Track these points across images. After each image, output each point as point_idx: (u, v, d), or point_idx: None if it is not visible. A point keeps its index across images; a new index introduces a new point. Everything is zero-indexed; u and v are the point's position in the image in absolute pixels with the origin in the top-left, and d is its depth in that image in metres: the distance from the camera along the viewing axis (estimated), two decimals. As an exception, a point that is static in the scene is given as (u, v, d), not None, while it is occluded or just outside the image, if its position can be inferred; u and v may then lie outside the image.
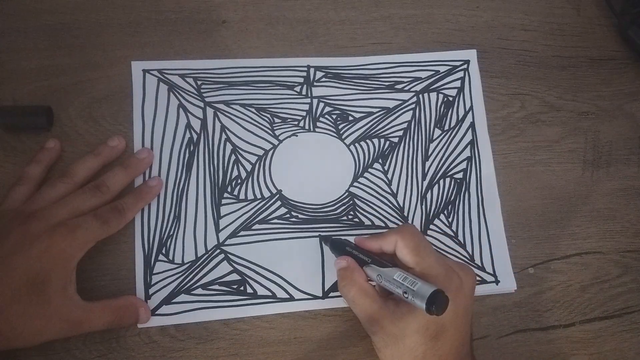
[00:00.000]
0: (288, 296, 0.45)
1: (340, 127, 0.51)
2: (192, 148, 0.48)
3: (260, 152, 0.49)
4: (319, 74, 0.52)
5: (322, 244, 0.46)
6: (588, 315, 0.49)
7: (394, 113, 0.52)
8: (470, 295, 0.41)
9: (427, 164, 0.51)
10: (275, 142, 0.50)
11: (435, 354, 0.39)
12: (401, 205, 0.50)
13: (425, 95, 0.53)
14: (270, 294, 0.45)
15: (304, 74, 0.52)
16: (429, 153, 0.51)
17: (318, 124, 0.51)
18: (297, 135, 0.50)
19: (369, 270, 0.41)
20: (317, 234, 0.47)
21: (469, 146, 0.52)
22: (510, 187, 0.51)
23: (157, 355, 0.43)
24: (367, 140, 0.51)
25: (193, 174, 0.48)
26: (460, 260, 0.48)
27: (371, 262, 0.41)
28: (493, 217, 0.50)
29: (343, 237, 0.45)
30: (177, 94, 0.50)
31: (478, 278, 0.48)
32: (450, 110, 0.53)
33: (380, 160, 0.51)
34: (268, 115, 0.50)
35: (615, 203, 0.52)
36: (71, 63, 0.49)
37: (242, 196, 0.48)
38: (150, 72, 0.50)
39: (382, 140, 0.51)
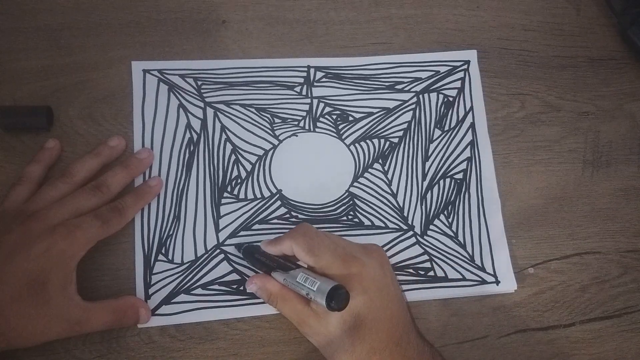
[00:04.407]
0: (288, 296, 0.45)
1: (340, 127, 0.51)
2: (192, 148, 0.48)
3: (260, 152, 0.49)
4: (319, 74, 0.52)
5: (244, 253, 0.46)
6: (588, 315, 0.49)
7: (394, 113, 0.52)
8: (379, 274, 0.40)
9: (427, 164, 0.51)
10: (275, 142, 0.50)
11: (363, 343, 0.39)
12: (401, 205, 0.50)
13: (426, 95, 0.53)
14: (270, 294, 0.45)
15: (304, 74, 0.52)
16: (429, 153, 0.51)
17: (318, 124, 0.51)
18: (297, 136, 0.50)
19: (276, 276, 0.41)
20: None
21: (469, 146, 0.52)
22: (510, 187, 0.51)
23: (157, 355, 0.43)
24: (367, 141, 0.51)
25: (193, 174, 0.48)
26: (368, 243, 0.46)
27: (277, 266, 0.41)
28: (493, 217, 0.50)
29: (255, 243, 0.45)
30: (177, 94, 0.50)
31: (478, 278, 0.48)
32: (451, 110, 0.53)
33: (380, 161, 0.51)
34: (268, 116, 0.50)
35: (615, 203, 0.52)
36: (71, 63, 0.49)
37: (242, 196, 0.48)
38: (150, 72, 0.50)
39: (382, 141, 0.51)
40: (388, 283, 0.41)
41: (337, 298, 0.35)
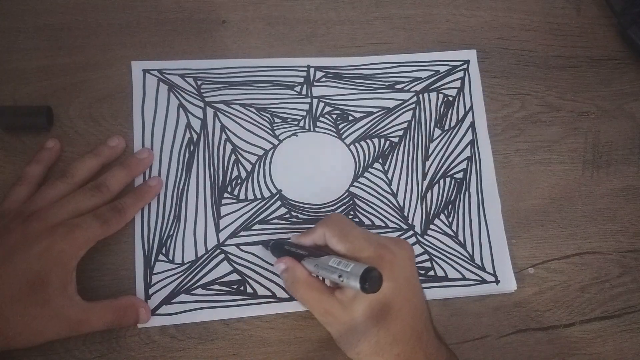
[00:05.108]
0: (288, 296, 0.45)
1: (340, 127, 0.51)
2: (192, 148, 0.48)
3: (260, 152, 0.49)
4: (319, 74, 0.52)
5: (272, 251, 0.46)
6: (588, 315, 0.49)
7: (394, 113, 0.52)
8: (408, 267, 0.41)
9: (427, 163, 0.51)
10: (275, 142, 0.50)
11: (388, 334, 0.38)
12: (401, 205, 0.50)
13: (425, 95, 0.53)
14: (270, 294, 0.45)
15: (304, 74, 0.52)
16: (429, 153, 0.51)
17: (318, 123, 0.51)
18: (297, 135, 0.50)
19: (306, 263, 0.41)
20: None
21: (469, 146, 0.52)
22: (510, 187, 0.51)
23: (157, 355, 0.43)
24: (367, 140, 0.51)
25: (193, 174, 0.48)
26: (395, 237, 0.47)
27: (308, 254, 0.41)
28: (493, 217, 0.50)
29: (282, 238, 0.45)
30: (177, 94, 0.50)
31: (478, 278, 0.48)
32: (450, 110, 0.53)
33: (380, 160, 0.51)
34: (268, 115, 0.50)
35: (615, 203, 0.52)
36: (71, 63, 0.49)
37: (242, 196, 0.48)
38: (150, 72, 0.50)
39: (382, 140, 0.51)
40: (415, 277, 0.41)
41: (371, 280, 0.35)
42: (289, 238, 0.45)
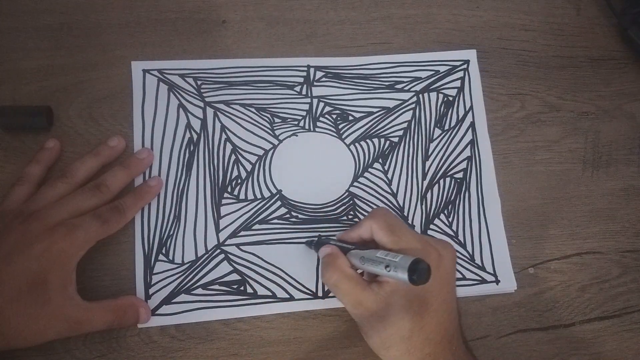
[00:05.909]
0: (288, 296, 0.45)
1: (340, 127, 0.51)
2: (192, 148, 0.48)
3: (260, 152, 0.49)
4: (319, 74, 0.52)
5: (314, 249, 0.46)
6: (588, 315, 0.49)
7: (394, 113, 0.52)
8: (451, 269, 0.41)
9: (427, 163, 0.51)
10: (275, 142, 0.50)
11: (421, 331, 0.39)
12: (401, 205, 0.50)
13: (425, 95, 0.53)
14: (270, 293, 0.45)
15: (304, 73, 0.52)
16: (429, 153, 0.51)
17: (318, 123, 0.51)
18: (297, 135, 0.50)
19: (352, 256, 0.41)
20: (317, 234, 0.47)
21: (469, 146, 0.52)
22: (510, 187, 0.51)
23: (157, 355, 0.43)
24: (367, 140, 0.51)
25: (193, 174, 0.48)
26: (439, 238, 0.47)
27: (354, 248, 0.41)
28: (493, 217, 0.50)
29: (326, 236, 0.45)
30: (177, 94, 0.50)
31: (478, 278, 0.48)
32: (450, 110, 0.53)
33: (380, 160, 0.51)
34: (268, 115, 0.50)
35: (615, 203, 0.52)
36: (71, 63, 0.49)
37: (242, 196, 0.48)
38: (150, 72, 0.50)
39: (382, 140, 0.51)
40: (454, 280, 0.42)
41: (420, 272, 0.35)
42: (334, 236, 0.45)
